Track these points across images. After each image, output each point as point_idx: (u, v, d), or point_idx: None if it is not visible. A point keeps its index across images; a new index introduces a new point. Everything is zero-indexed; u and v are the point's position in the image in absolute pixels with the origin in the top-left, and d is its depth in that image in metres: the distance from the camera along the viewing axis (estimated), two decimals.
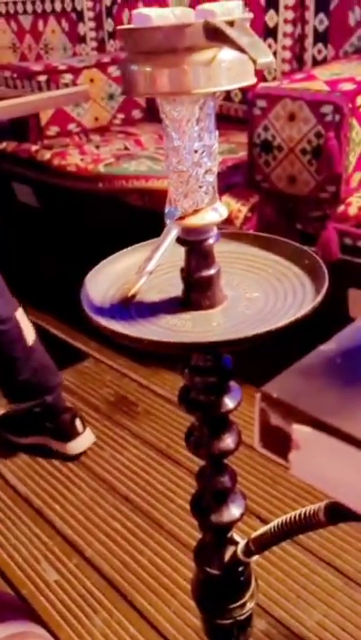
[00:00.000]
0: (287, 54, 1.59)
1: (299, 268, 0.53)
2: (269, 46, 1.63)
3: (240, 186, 1.33)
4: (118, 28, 0.39)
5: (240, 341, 0.43)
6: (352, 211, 1.20)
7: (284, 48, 1.59)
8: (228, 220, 1.33)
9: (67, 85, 1.68)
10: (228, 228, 1.32)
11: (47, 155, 1.70)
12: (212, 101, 0.41)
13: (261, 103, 1.19)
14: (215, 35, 0.35)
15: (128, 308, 0.51)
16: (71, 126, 1.87)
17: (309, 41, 1.54)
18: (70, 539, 1.12)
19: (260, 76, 1.65)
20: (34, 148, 1.75)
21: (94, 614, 0.98)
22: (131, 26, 0.37)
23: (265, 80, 1.63)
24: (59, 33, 2.19)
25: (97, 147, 1.72)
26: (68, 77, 1.82)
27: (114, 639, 0.94)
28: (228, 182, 1.35)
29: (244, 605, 0.66)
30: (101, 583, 1.03)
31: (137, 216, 1.58)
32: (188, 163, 0.43)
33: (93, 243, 1.88)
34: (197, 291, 0.50)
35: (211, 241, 0.48)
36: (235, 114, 1.75)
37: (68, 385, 1.57)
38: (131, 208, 1.54)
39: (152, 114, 1.98)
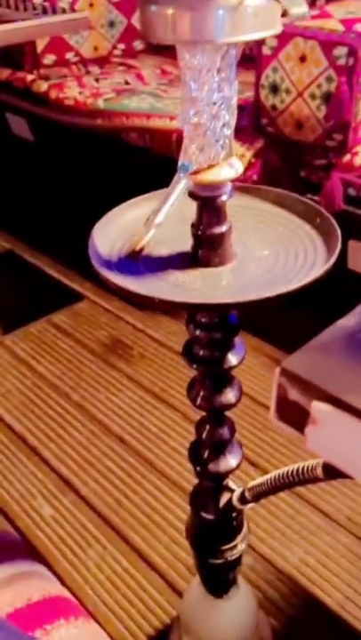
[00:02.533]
0: None
1: (310, 226, 0.53)
2: None
3: (245, 129, 1.28)
4: None
5: (251, 304, 0.42)
6: (358, 161, 1.17)
7: None
8: None
9: (64, 10, 1.58)
10: None
11: (44, 86, 1.63)
12: (235, 50, 0.39)
13: (271, 42, 1.14)
14: None
15: (136, 261, 0.51)
16: (69, 55, 1.78)
17: None
18: (65, 477, 1.16)
19: None
20: (29, 77, 1.67)
21: (89, 548, 1.03)
22: None
23: None
24: None
25: (96, 80, 1.65)
26: (66, 0, 1.71)
27: (107, 571, 0.99)
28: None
29: (235, 547, 0.69)
30: (96, 519, 1.07)
31: (137, 156, 1.53)
32: (205, 115, 0.41)
33: (91, 181, 1.84)
34: (207, 247, 0.49)
35: (224, 197, 0.47)
36: (242, 50, 1.67)
37: (63, 326, 1.57)
38: (130, 147, 1.49)
39: (154, 46, 1.88)
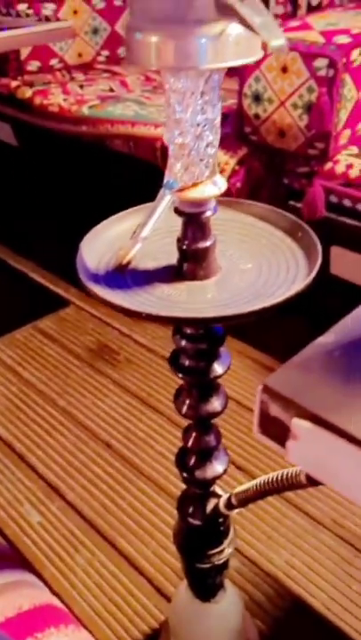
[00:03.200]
0: None
1: (292, 240, 0.54)
2: None
3: (229, 137, 1.30)
4: None
5: (235, 317, 0.44)
6: (339, 168, 1.20)
7: None
8: None
9: (48, 19, 1.59)
10: None
11: (28, 92, 1.63)
12: (218, 75, 0.41)
13: None
14: (226, 10, 0.34)
15: (123, 274, 0.52)
16: (53, 62, 1.78)
17: None
18: (52, 483, 1.16)
19: None
20: (14, 84, 1.68)
21: (76, 554, 1.03)
22: None
23: None
24: None
25: (81, 86, 1.66)
26: (50, 7, 1.72)
27: (95, 576, 1.00)
28: None
29: (222, 551, 0.70)
30: (83, 525, 1.08)
31: (121, 162, 1.55)
32: (189, 136, 0.43)
33: (76, 186, 1.84)
34: (193, 261, 0.51)
35: (208, 213, 0.48)
36: None
37: (49, 332, 1.57)
38: (115, 154, 1.50)
39: None
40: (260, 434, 0.29)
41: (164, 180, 0.47)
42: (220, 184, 0.47)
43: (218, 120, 0.43)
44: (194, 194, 0.46)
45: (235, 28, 0.37)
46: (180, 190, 0.46)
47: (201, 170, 0.45)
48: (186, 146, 0.43)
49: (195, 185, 0.46)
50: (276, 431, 0.28)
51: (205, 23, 0.36)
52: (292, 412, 0.27)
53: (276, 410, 0.28)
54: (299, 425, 0.27)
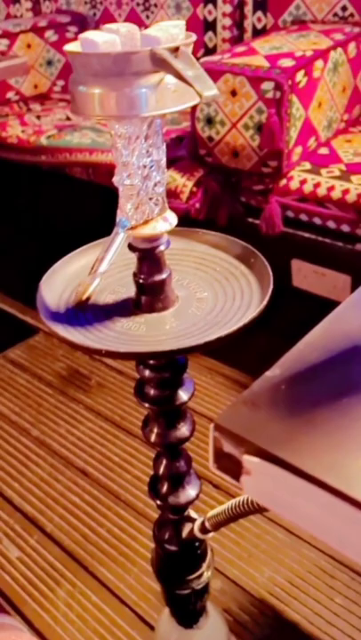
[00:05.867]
0: (227, 21, 1.57)
1: (245, 266, 0.56)
2: (210, 13, 1.60)
3: (185, 159, 1.33)
4: (65, 49, 0.39)
5: (193, 349, 0.45)
6: (294, 185, 1.23)
7: (224, 15, 1.57)
8: (174, 195, 1.33)
9: (3, 53, 1.60)
10: (174, 203, 1.33)
11: None
12: (160, 119, 0.42)
13: None
14: (161, 64, 0.36)
15: (83, 311, 0.53)
16: (10, 94, 1.79)
17: (249, 8, 1.53)
18: (30, 515, 1.15)
19: (203, 45, 1.62)
20: None
21: (57, 587, 1.02)
22: (78, 50, 0.37)
23: (207, 51, 1.61)
24: None
25: (38, 117, 1.67)
26: (3, 43, 1.73)
27: (78, 609, 0.99)
28: (173, 156, 1.35)
29: (201, 576, 0.71)
30: (63, 556, 1.07)
31: (81, 189, 1.56)
32: (137, 177, 0.44)
33: (38, 216, 1.85)
34: (150, 294, 0.52)
35: (162, 248, 0.50)
36: None
37: (20, 361, 1.56)
38: (75, 181, 1.52)
39: None
40: (216, 469, 0.30)
41: (117, 219, 0.48)
42: (170, 219, 0.48)
43: (164, 160, 0.45)
44: (146, 231, 0.47)
45: (172, 77, 0.38)
46: (133, 228, 0.47)
47: (151, 208, 0.46)
48: (134, 187, 0.45)
49: (146, 222, 0.47)
50: (231, 466, 0.29)
51: (143, 75, 0.37)
52: (243, 449, 0.28)
53: (228, 447, 0.29)
54: (250, 461, 0.28)
